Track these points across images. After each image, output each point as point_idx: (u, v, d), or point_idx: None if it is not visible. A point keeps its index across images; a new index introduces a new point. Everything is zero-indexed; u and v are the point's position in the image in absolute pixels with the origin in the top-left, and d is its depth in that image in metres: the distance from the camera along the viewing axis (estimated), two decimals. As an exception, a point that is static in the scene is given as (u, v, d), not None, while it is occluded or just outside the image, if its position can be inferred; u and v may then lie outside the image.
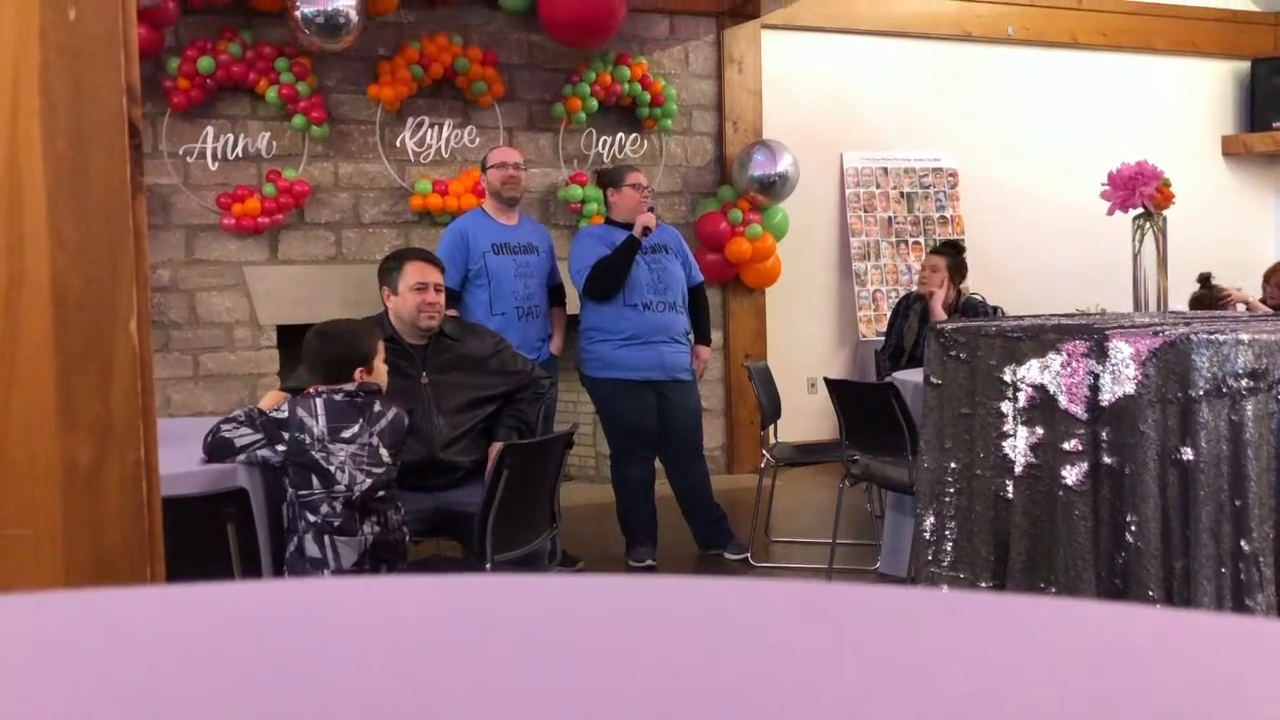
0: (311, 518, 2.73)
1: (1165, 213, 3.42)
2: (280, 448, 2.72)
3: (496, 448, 3.22)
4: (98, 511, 1.03)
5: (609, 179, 4.81)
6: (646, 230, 4.49)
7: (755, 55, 6.64)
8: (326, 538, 2.73)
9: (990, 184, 7.31)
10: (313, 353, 2.92)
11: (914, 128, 7.17)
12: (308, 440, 2.73)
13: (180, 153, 5.36)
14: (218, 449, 2.73)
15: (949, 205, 7.27)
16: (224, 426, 2.76)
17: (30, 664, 0.47)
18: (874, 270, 7.06)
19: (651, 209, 4.61)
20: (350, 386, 2.83)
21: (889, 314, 5.48)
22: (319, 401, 2.78)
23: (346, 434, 2.76)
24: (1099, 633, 0.50)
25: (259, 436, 2.73)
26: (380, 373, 2.94)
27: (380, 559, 2.79)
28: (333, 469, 2.73)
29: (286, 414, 2.76)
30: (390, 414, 2.85)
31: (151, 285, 5.08)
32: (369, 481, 2.76)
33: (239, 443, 2.73)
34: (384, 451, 2.81)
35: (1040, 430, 2.39)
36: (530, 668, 0.45)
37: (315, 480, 2.73)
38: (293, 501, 2.75)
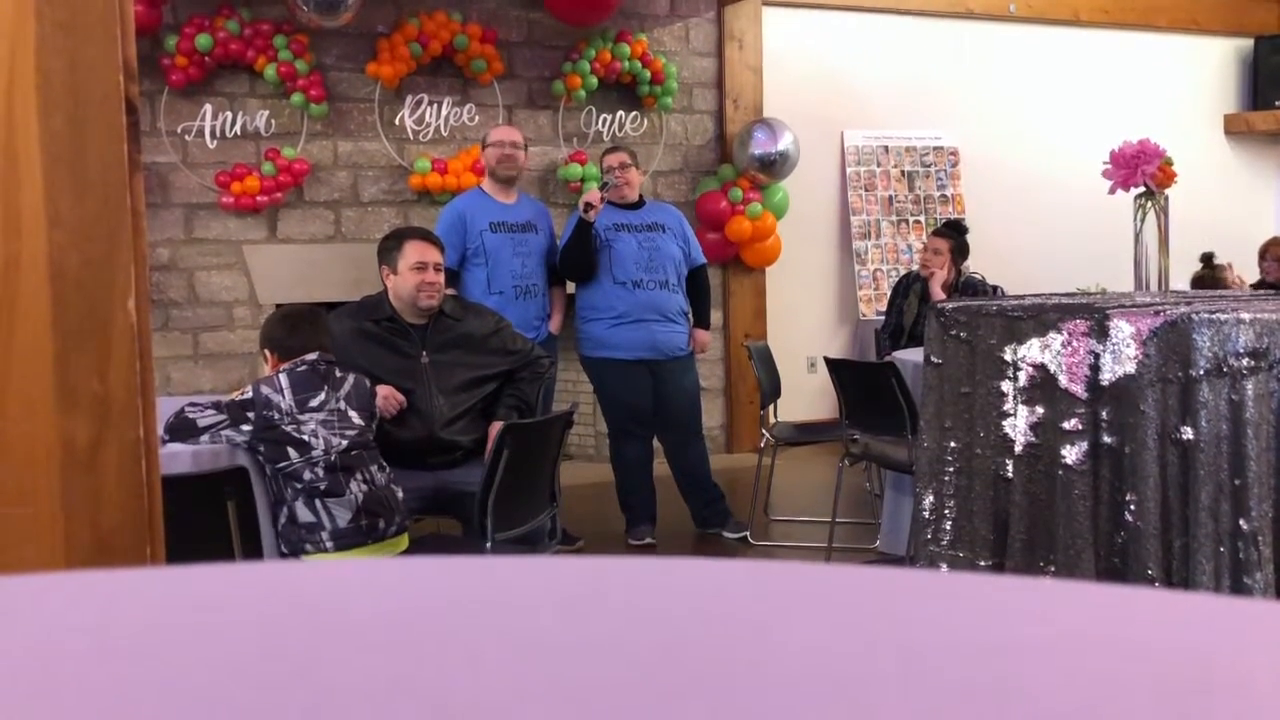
0: (298, 485, 2.77)
1: (1167, 192, 3.41)
2: (245, 428, 2.74)
3: (496, 427, 3.22)
4: (96, 491, 1.03)
5: None
6: (589, 207, 4.44)
7: (756, 32, 6.61)
8: (317, 501, 2.77)
9: (991, 162, 7.29)
10: (274, 336, 2.95)
11: (915, 106, 7.15)
12: (276, 416, 2.75)
13: (179, 131, 5.35)
14: (179, 429, 2.73)
15: (950, 184, 7.25)
16: (188, 408, 2.77)
17: (28, 646, 0.47)
18: (874, 249, 7.05)
19: (605, 185, 4.56)
20: (311, 356, 2.86)
21: (889, 293, 5.48)
22: (283, 377, 2.81)
23: (314, 402, 2.80)
24: (1098, 613, 0.50)
25: (222, 417, 2.74)
26: None
27: (374, 514, 2.84)
28: (305, 437, 2.77)
29: (251, 395, 2.78)
30: (351, 378, 2.91)
31: (150, 264, 5.07)
32: (344, 443, 2.81)
33: (201, 423, 2.73)
34: (353, 414, 2.86)
35: (1040, 409, 2.39)
36: (530, 648, 0.45)
37: (292, 452, 2.76)
38: (274, 475, 2.78)
